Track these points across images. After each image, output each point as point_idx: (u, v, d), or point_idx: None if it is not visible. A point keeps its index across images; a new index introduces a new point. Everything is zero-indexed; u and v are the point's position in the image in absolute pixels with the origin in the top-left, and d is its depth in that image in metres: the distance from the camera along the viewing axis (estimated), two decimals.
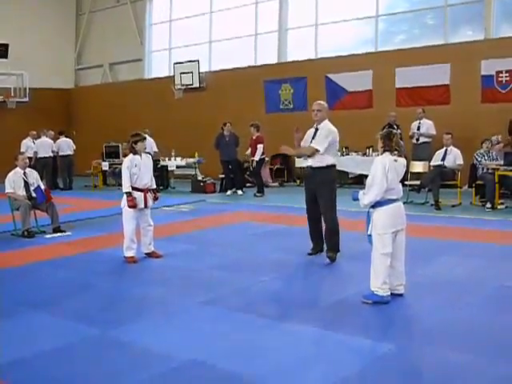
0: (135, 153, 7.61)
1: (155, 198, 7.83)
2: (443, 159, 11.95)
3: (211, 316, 5.35)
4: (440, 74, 15.32)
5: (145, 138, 7.75)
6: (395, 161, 5.65)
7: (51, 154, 17.90)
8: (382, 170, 5.53)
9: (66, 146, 18.44)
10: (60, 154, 18.32)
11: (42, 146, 17.71)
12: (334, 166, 7.43)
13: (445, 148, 12.04)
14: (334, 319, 5.15)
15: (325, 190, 7.33)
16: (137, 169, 7.54)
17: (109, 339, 4.80)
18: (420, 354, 4.32)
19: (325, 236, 7.50)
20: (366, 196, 5.65)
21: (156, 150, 17.09)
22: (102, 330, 4.99)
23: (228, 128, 15.35)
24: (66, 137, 18.77)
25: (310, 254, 7.63)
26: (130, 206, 7.47)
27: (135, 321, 5.22)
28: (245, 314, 5.33)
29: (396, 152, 5.68)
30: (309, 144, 7.32)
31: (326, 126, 7.36)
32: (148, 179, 7.70)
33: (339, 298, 5.75)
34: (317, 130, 7.38)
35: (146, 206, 7.62)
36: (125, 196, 7.54)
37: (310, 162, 7.35)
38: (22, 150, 17.00)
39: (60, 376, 4.09)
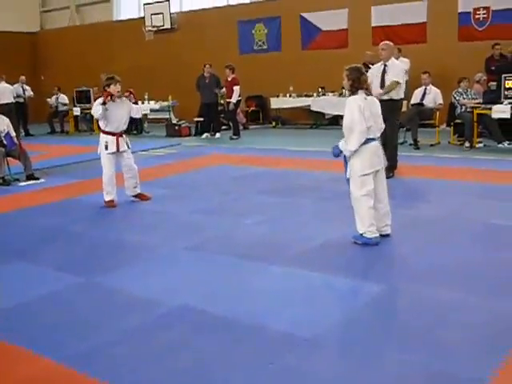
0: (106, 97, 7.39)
1: None
2: (422, 98, 11.90)
3: (197, 261, 5.27)
4: (416, 12, 15.06)
5: (118, 81, 7.48)
6: (365, 99, 5.40)
7: (13, 100, 17.23)
8: (359, 111, 5.28)
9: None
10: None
11: (1, 91, 17.05)
12: (402, 99, 8.71)
13: (424, 87, 11.96)
14: (323, 261, 5.10)
15: (393, 116, 8.30)
16: (108, 112, 7.35)
17: (95, 286, 4.71)
18: (413, 294, 4.29)
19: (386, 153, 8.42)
20: (350, 142, 5.34)
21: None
22: (87, 278, 4.89)
23: (208, 69, 15.05)
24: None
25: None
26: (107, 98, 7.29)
27: (120, 267, 5.13)
28: (230, 258, 5.26)
29: (365, 90, 5.45)
30: (378, 79, 8.50)
31: (396, 63, 8.72)
32: (119, 123, 7.50)
33: (325, 240, 5.69)
34: (385, 66, 8.50)
35: (118, 150, 7.46)
36: (101, 141, 7.38)
37: (386, 96, 8.41)
38: None
39: (48, 324, 4.00)
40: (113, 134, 7.42)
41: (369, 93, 5.53)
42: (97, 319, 4.06)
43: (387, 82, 8.48)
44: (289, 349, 3.48)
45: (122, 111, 7.51)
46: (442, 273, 4.68)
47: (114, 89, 7.38)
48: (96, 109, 7.32)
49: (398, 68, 8.57)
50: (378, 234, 5.46)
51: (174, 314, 4.05)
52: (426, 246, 5.40)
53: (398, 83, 8.45)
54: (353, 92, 5.45)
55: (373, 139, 5.45)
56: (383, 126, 5.71)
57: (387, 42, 8.75)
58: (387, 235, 5.63)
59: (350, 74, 5.41)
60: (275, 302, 4.22)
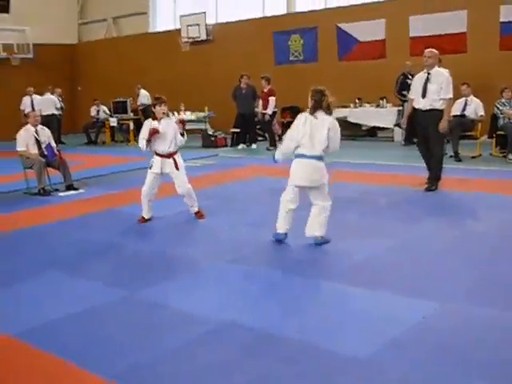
0: (154, 118, 7.19)
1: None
2: (463, 110, 11.69)
3: (242, 275, 5.17)
4: (456, 22, 14.83)
5: (164, 102, 7.18)
6: (315, 118, 5.75)
7: (55, 112, 17.55)
8: (295, 126, 5.84)
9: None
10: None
11: (45, 102, 17.40)
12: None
13: (464, 98, 11.75)
14: (369, 276, 4.97)
15: (436, 127, 8.29)
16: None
17: (139, 301, 4.64)
18: (467, 313, 4.13)
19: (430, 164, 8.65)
20: (278, 150, 6.13)
21: (149, 102, 17.16)
22: (131, 292, 4.82)
23: (245, 80, 15.08)
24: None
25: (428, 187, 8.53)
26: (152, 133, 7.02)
27: (163, 281, 5.05)
28: (276, 272, 5.17)
29: (324, 110, 5.76)
30: (421, 88, 8.38)
31: (440, 71, 8.47)
32: (165, 146, 7.16)
33: (369, 255, 5.56)
34: (429, 74, 8.34)
35: (161, 172, 7.21)
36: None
37: (428, 106, 8.35)
38: (21, 108, 16.98)
39: (92, 339, 3.93)
40: (159, 155, 7.22)
41: (329, 113, 5.81)
42: (141, 335, 3.98)
43: (429, 92, 8.28)
44: (345, 370, 3.35)
45: (166, 136, 7.13)
46: (495, 291, 4.52)
47: (160, 110, 7.13)
48: (141, 143, 7.15)
49: (444, 78, 8.32)
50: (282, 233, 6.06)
51: (222, 331, 3.96)
52: (475, 263, 5.23)
53: (451, 99, 8.49)
54: (312, 111, 5.80)
55: (303, 155, 5.79)
56: (321, 147, 5.80)
57: (432, 49, 8.52)
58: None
59: (313, 95, 5.84)
60: (326, 319, 4.10)
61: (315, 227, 5.96)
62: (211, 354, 3.65)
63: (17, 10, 21.06)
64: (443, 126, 8.24)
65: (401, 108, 14.77)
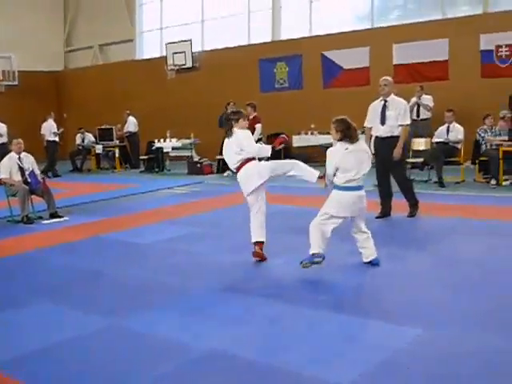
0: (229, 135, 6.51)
1: None
2: (447, 136, 11.78)
3: (227, 302, 5.13)
4: (438, 50, 15.08)
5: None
6: (346, 149, 5.66)
7: (52, 138, 17.29)
8: (329, 159, 5.73)
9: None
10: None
11: (46, 128, 17.26)
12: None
13: (447, 125, 11.85)
14: (353, 303, 4.98)
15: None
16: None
17: (122, 329, 4.59)
18: (452, 338, 4.12)
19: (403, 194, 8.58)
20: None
21: (136, 130, 17.75)
22: (114, 320, 4.78)
23: (231, 108, 15.13)
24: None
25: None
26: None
27: (148, 309, 5.01)
28: (261, 299, 5.13)
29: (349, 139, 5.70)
30: (379, 116, 8.27)
31: (396, 99, 8.31)
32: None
33: (357, 283, 5.56)
34: (386, 101, 8.24)
35: None
36: None
37: (388, 133, 8.24)
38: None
39: (74, 370, 3.88)
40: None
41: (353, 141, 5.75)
42: (126, 365, 3.93)
43: (389, 118, 8.19)
44: None
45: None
46: (480, 316, 4.53)
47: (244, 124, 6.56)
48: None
49: (402, 104, 8.28)
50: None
51: (205, 360, 3.92)
52: (462, 288, 5.23)
53: (408, 126, 8.35)
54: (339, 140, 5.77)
55: (351, 188, 5.71)
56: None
57: (387, 77, 8.44)
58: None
59: (337, 126, 5.76)
60: (309, 346, 4.08)
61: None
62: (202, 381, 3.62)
63: (2, 37, 21.12)
64: (397, 152, 8.16)
65: None
